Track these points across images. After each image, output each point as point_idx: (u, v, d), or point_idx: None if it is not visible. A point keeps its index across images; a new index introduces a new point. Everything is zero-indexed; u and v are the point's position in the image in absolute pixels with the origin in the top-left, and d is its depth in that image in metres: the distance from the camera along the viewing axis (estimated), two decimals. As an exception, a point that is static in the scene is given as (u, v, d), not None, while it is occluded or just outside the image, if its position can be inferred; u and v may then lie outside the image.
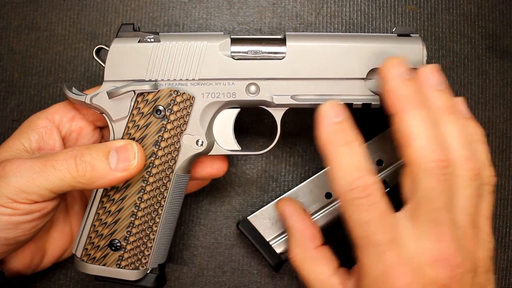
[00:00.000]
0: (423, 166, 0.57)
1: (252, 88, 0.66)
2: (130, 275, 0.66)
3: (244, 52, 0.65)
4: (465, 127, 0.62)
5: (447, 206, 0.58)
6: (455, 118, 0.61)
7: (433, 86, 0.62)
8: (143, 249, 0.66)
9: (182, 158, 0.66)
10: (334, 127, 0.60)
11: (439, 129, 0.59)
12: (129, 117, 0.65)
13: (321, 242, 0.68)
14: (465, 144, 0.60)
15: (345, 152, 0.59)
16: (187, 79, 0.65)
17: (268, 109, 0.68)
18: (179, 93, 0.65)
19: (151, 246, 0.66)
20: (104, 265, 0.66)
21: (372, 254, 0.58)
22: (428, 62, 0.78)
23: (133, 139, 0.65)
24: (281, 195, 0.77)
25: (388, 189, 0.75)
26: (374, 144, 0.76)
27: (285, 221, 0.70)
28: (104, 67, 0.65)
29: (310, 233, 0.68)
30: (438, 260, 0.57)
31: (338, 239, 0.75)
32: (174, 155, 0.65)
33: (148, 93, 0.65)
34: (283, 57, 0.65)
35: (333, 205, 0.76)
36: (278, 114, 0.68)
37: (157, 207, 0.66)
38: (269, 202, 0.77)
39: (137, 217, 0.66)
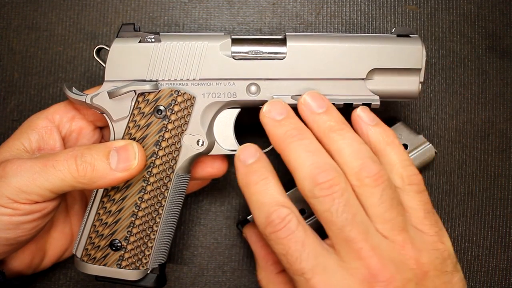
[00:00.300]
0: (310, 193, 0.58)
1: (253, 88, 0.66)
2: (131, 275, 0.66)
3: (245, 52, 0.65)
4: (356, 138, 0.61)
5: (352, 221, 0.57)
6: (342, 133, 0.61)
7: (312, 111, 0.63)
8: (143, 249, 0.66)
9: (183, 158, 0.66)
10: (247, 169, 0.62)
11: (324, 152, 0.60)
12: (130, 117, 0.65)
13: (280, 268, 0.67)
14: (356, 154, 0.60)
15: (258, 190, 0.60)
16: (188, 79, 0.65)
17: (268, 109, 0.68)
18: (180, 93, 0.65)
19: (152, 246, 0.66)
20: (104, 265, 0.66)
21: (300, 283, 0.57)
22: (428, 62, 0.78)
23: (134, 139, 0.65)
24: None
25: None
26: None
27: (251, 246, 0.71)
28: (104, 67, 0.65)
29: (271, 259, 0.67)
30: (367, 278, 0.56)
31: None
32: (175, 155, 0.65)
33: (149, 93, 0.65)
34: (284, 57, 0.65)
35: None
36: (278, 114, 0.68)
37: (157, 207, 0.66)
38: (269, 202, 0.77)
39: (138, 217, 0.65)
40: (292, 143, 0.60)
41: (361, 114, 0.64)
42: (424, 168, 0.78)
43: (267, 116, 0.63)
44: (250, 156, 0.62)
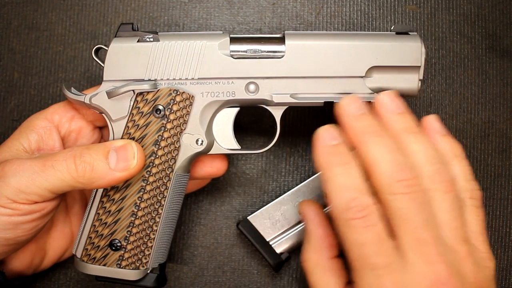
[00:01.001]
0: (389, 189, 0.57)
1: (252, 87, 0.66)
2: (131, 275, 0.66)
3: (243, 51, 0.65)
4: (430, 143, 0.61)
5: (426, 223, 0.56)
6: (418, 137, 0.61)
7: (392, 111, 0.62)
8: (143, 248, 0.66)
9: (182, 158, 0.66)
10: (330, 149, 0.60)
11: (402, 151, 0.59)
12: (129, 117, 0.65)
13: (337, 253, 0.66)
14: (431, 158, 0.59)
15: (341, 172, 0.59)
16: (186, 78, 0.65)
17: (267, 108, 0.68)
18: (178, 93, 0.65)
19: (152, 246, 0.66)
20: (104, 265, 0.66)
21: (367, 278, 0.56)
22: (428, 62, 0.78)
23: (133, 138, 0.65)
24: (281, 195, 0.77)
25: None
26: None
27: (306, 223, 0.68)
28: (103, 67, 0.65)
29: (328, 241, 0.66)
30: (434, 284, 0.55)
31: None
32: (174, 155, 0.65)
33: (148, 92, 0.65)
34: (282, 56, 0.65)
35: (333, 205, 0.76)
36: (277, 113, 0.68)
37: (157, 207, 0.66)
38: (269, 202, 0.77)
39: (137, 217, 0.65)
40: (371, 138, 0.59)
41: (434, 125, 0.64)
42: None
43: (346, 109, 0.62)
44: (332, 138, 0.61)
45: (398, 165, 0.57)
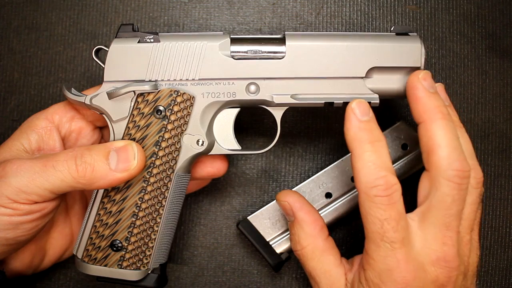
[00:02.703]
0: (445, 173, 0.60)
1: (252, 87, 0.66)
2: (132, 275, 0.67)
3: (244, 52, 0.65)
4: (468, 139, 0.66)
5: (458, 213, 0.62)
6: (462, 131, 0.66)
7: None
8: (144, 249, 0.66)
9: (183, 158, 0.66)
10: (361, 125, 0.62)
11: (459, 140, 0.62)
12: (130, 118, 0.65)
13: (328, 233, 0.69)
14: (470, 154, 0.64)
15: (370, 149, 0.61)
16: (187, 79, 0.65)
17: (268, 108, 0.68)
18: (179, 93, 0.65)
19: (153, 246, 0.66)
20: (105, 265, 0.66)
21: (383, 250, 0.61)
22: (428, 62, 0.78)
23: (134, 139, 0.65)
24: (281, 195, 0.77)
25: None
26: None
27: (294, 214, 0.69)
28: (103, 67, 0.65)
29: (319, 225, 0.69)
30: (440, 260, 0.61)
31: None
32: (175, 155, 0.65)
33: (148, 93, 0.65)
34: (283, 57, 0.65)
35: (333, 205, 0.76)
36: (278, 114, 0.68)
37: (158, 207, 0.66)
38: (269, 202, 0.77)
39: (138, 217, 0.66)
40: (440, 119, 0.61)
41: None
42: (424, 168, 0.78)
43: (422, 82, 0.63)
44: (365, 113, 0.63)
45: (459, 155, 0.61)
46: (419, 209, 0.63)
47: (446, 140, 0.61)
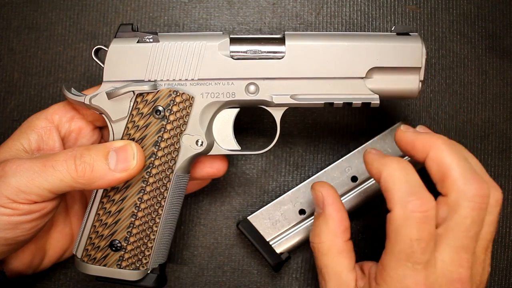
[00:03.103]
0: (464, 195, 0.59)
1: (252, 87, 0.66)
2: (131, 275, 0.67)
3: (243, 52, 0.65)
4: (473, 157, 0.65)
5: (477, 235, 0.60)
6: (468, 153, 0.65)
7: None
8: (143, 249, 0.66)
9: (182, 159, 0.66)
10: (381, 154, 0.64)
11: (468, 162, 0.62)
12: (129, 118, 0.65)
13: (349, 236, 0.68)
14: (485, 173, 0.64)
15: (407, 167, 0.61)
16: (186, 79, 0.65)
17: (267, 108, 0.68)
18: (178, 94, 0.65)
19: (152, 246, 0.66)
20: (104, 265, 0.66)
21: (403, 269, 0.59)
22: (428, 62, 0.78)
23: (133, 139, 0.65)
24: (281, 195, 0.77)
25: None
26: (374, 144, 0.76)
27: (324, 207, 0.68)
28: (103, 67, 0.65)
29: (344, 225, 0.67)
30: (455, 282, 0.60)
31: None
32: (174, 156, 0.65)
33: (148, 93, 0.65)
34: (283, 57, 0.65)
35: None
36: (277, 114, 0.68)
37: (157, 207, 0.66)
38: (269, 202, 0.77)
39: (137, 218, 0.66)
40: (442, 144, 0.61)
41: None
42: (424, 168, 0.78)
43: (407, 130, 0.65)
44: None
45: (473, 174, 0.60)
46: (437, 230, 0.61)
47: (455, 161, 0.60)
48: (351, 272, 0.65)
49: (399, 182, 0.60)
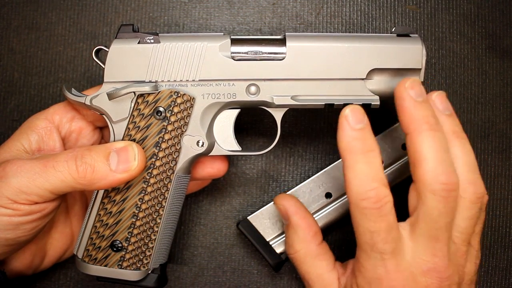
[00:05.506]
0: (430, 187, 0.59)
1: (252, 88, 0.66)
2: (132, 275, 0.67)
3: (244, 53, 0.65)
4: (471, 151, 0.64)
5: (447, 225, 0.61)
6: (461, 142, 0.63)
7: (441, 111, 0.64)
8: (144, 249, 0.66)
9: (183, 159, 0.66)
10: (354, 134, 0.61)
11: (448, 152, 0.61)
12: (130, 119, 0.65)
13: (321, 239, 0.70)
14: (470, 167, 0.63)
15: (363, 160, 0.60)
16: (187, 80, 0.65)
17: (268, 109, 0.68)
18: (179, 94, 0.65)
19: (153, 247, 0.67)
20: (105, 265, 0.66)
21: (373, 259, 0.61)
22: (428, 62, 0.78)
23: (134, 140, 0.65)
24: (281, 195, 0.77)
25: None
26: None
27: (288, 218, 0.70)
28: (103, 68, 0.65)
29: (313, 230, 0.69)
30: (431, 271, 0.61)
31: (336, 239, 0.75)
32: (175, 156, 0.65)
33: (149, 94, 0.65)
34: (283, 58, 0.65)
35: (333, 205, 0.76)
36: (278, 115, 0.68)
37: (158, 208, 0.66)
38: (269, 202, 0.77)
39: (138, 218, 0.66)
40: (426, 131, 0.60)
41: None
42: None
43: (409, 91, 0.61)
44: (359, 120, 0.61)
45: (445, 168, 0.59)
46: (409, 219, 0.63)
47: (432, 153, 0.59)
48: (332, 272, 0.67)
49: (358, 178, 0.60)
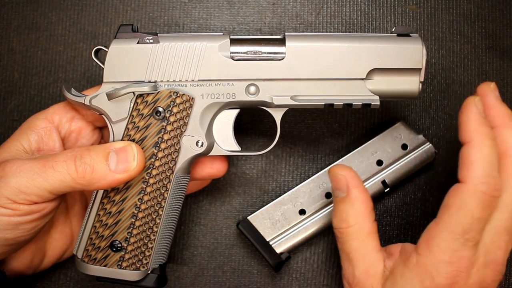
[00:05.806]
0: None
1: (252, 89, 0.66)
2: (131, 275, 0.67)
3: (244, 53, 0.65)
4: None
5: (479, 230, 0.60)
6: None
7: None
8: (143, 249, 0.66)
9: (182, 159, 0.66)
10: (482, 119, 0.61)
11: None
12: (129, 119, 0.65)
13: (375, 217, 0.68)
14: None
15: (491, 145, 0.60)
16: (186, 80, 0.65)
17: (268, 109, 0.68)
18: (178, 94, 0.65)
19: (152, 247, 0.66)
20: (105, 266, 0.66)
21: (456, 242, 0.60)
22: (428, 62, 0.78)
23: (133, 140, 0.65)
24: (281, 195, 0.77)
25: (387, 189, 0.76)
26: (374, 144, 0.76)
27: (349, 190, 0.67)
28: (103, 68, 0.65)
29: (370, 206, 0.67)
30: (490, 263, 0.61)
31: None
32: (174, 156, 0.65)
33: (148, 94, 0.64)
34: (283, 58, 0.65)
35: (333, 205, 0.76)
36: (278, 115, 0.68)
37: (157, 208, 0.66)
38: (269, 202, 0.77)
39: (138, 218, 0.66)
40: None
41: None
42: (424, 168, 0.78)
43: (494, 92, 0.64)
44: (481, 111, 0.63)
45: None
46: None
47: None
48: (379, 253, 0.66)
49: (484, 161, 0.60)
